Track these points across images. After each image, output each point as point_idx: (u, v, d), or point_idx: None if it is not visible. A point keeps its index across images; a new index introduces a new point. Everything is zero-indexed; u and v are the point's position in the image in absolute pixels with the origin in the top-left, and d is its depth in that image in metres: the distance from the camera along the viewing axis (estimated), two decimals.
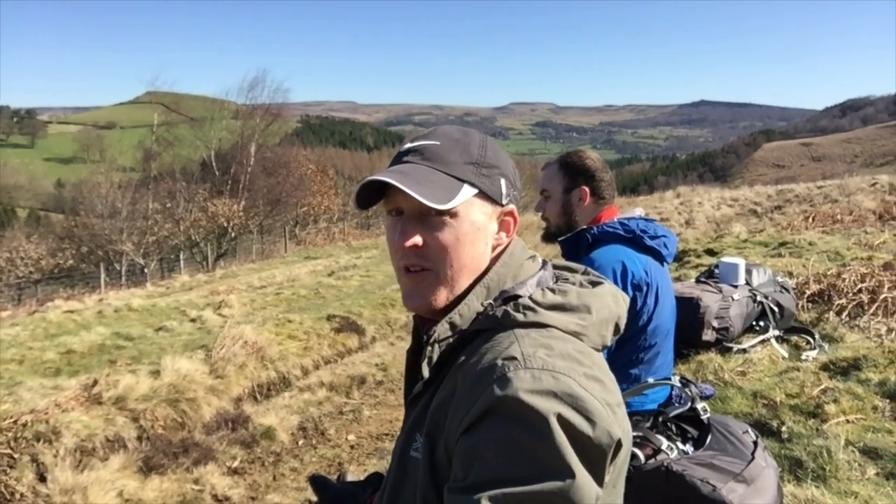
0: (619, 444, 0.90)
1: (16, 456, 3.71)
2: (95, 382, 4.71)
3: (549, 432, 0.84)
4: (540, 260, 1.16)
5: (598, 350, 1.07)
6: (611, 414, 0.90)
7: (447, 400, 0.98)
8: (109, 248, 29.46)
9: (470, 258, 1.06)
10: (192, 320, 8.75)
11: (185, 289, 16.44)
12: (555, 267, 1.18)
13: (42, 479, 3.60)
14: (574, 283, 1.10)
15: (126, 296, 14.56)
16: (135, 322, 9.12)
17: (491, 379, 0.90)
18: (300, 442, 4.55)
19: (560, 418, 0.85)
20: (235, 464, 4.06)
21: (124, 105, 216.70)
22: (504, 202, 1.10)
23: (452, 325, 1.03)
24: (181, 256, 30.78)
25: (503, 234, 1.11)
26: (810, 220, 11.06)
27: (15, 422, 3.96)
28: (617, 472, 0.94)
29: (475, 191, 1.05)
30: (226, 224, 32.29)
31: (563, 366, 0.91)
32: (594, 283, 1.12)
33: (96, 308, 11.11)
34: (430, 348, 1.04)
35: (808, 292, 4.98)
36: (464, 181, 1.05)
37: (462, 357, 1.01)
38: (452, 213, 1.03)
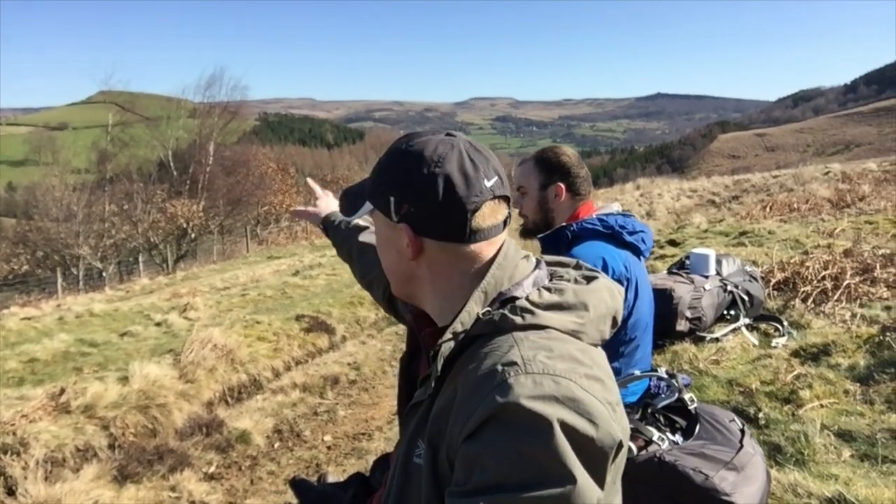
0: (619, 444, 0.90)
1: None
2: (62, 391, 4.59)
3: (552, 438, 0.83)
4: (533, 259, 1.14)
5: (596, 345, 1.08)
6: (612, 414, 0.90)
7: (448, 406, 0.97)
8: (66, 252, 28.81)
9: (388, 262, 1.17)
10: (158, 324, 8.59)
11: (145, 292, 16.14)
12: (548, 263, 1.17)
13: (11, 492, 3.50)
14: (570, 280, 1.09)
15: (86, 301, 14.21)
16: (98, 327, 8.92)
17: (492, 385, 0.89)
18: (276, 445, 4.50)
19: (562, 423, 0.84)
20: (212, 469, 3.99)
21: (77, 105, 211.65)
22: (394, 219, 1.07)
23: (454, 334, 1.02)
24: (140, 259, 30.22)
25: (409, 251, 1.08)
26: (768, 209, 11.30)
27: None
28: (616, 470, 0.93)
29: (371, 207, 1.15)
30: (185, 225, 31.82)
31: (564, 368, 0.90)
32: (589, 279, 1.11)
33: (56, 314, 10.84)
34: (437, 363, 1.03)
35: (774, 280, 5.10)
36: (366, 197, 1.16)
37: (462, 362, 1.01)
38: (374, 221, 1.18)
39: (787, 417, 2.87)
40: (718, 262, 4.28)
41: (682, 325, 3.85)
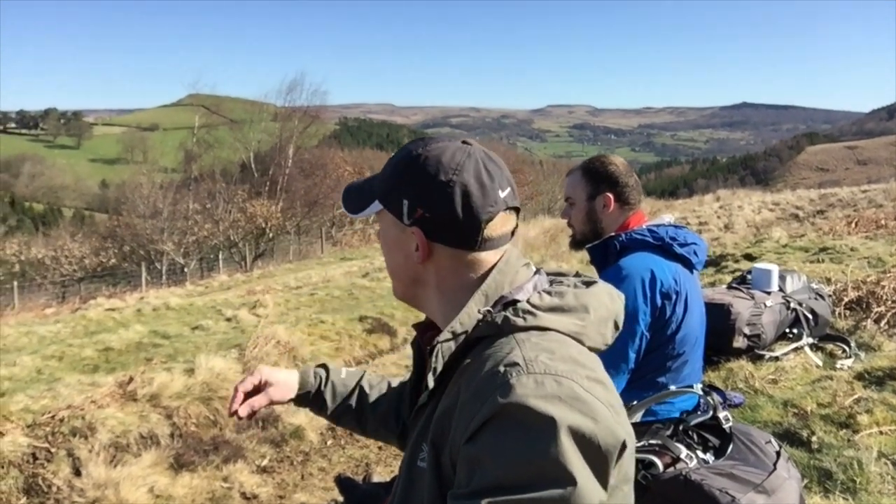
0: (623, 446, 0.90)
1: (53, 450, 3.81)
2: (131, 380, 4.81)
3: (554, 438, 0.83)
4: (533, 266, 1.15)
5: (600, 350, 1.08)
6: (615, 415, 0.90)
7: (451, 408, 0.98)
8: (151, 247, 30.11)
9: (395, 264, 1.16)
10: (228, 319, 8.88)
11: (223, 288, 16.70)
12: (549, 273, 1.17)
13: (77, 473, 3.69)
14: (569, 285, 1.10)
15: (165, 294, 14.84)
16: (172, 321, 9.29)
17: (494, 386, 0.89)
18: (329, 442, 4.58)
19: (565, 423, 0.84)
20: (264, 462, 4.10)
21: (167, 107, 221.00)
22: (406, 222, 1.08)
23: (454, 333, 1.03)
24: (220, 256, 31.29)
25: (419, 254, 1.09)
26: (853, 224, 10.81)
27: (53, 417, 4.07)
28: (622, 474, 0.93)
29: (380, 207, 1.14)
30: (264, 225, 32.74)
31: (566, 369, 0.90)
32: (588, 284, 1.12)
33: (136, 306, 11.34)
34: (433, 359, 1.05)
35: (846, 299, 4.86)
36: (375, 196, 1.15)
37: (464, 365, 1.02)
38: (378, 221, 1.17)
39: (842, 442, 2.74)
40: (782, 279, 4.12)
41: (739, 342, 3.72)
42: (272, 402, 1.46)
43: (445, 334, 1.04)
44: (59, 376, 5.49)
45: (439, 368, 1.04)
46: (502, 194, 1.07)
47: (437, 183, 1.05)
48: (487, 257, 1.09)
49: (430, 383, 1.06)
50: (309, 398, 1.52)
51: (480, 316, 1.03)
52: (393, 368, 6.37)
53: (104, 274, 29.52)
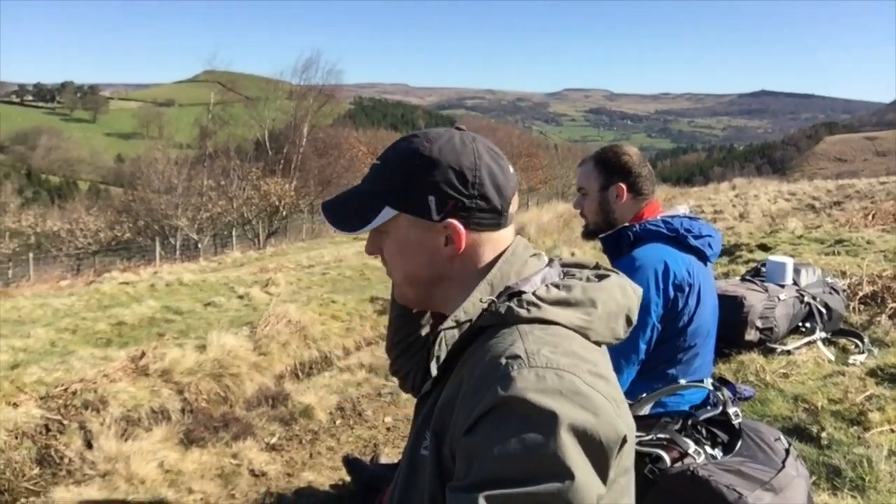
0: (624, 440, 0.90)
1: (65, 423, 3.85)
2: (143, 354, 4.84)
3: (553, 432, 0.83)
4: (546, 258, 1.15)
5: (610, 344, 1.08)
6: (616, 409, 0.90)
7: (453, 397, 0.98)
8: (165, 222, 30.31)
9: (416, 267, 1.13)
10: (240, 297, 8.92)
11: (236, 265, 16.79)
12: (565, 265, 1.17)
13: (89, 445, 3.73)
14: (580, 279, 1.09)
15: (179, 270, 14.92)
16: (185, 296, 9.34)
17: (495, 377, 0.89)
18: (337, 422, 4.61)
19: (565, 417, 0.84)
20: (273, 440, 4.13)
21: (183, 83, 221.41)
22: (436, 218, 1.07)
23: (457, 321, 1.04)
24: (234, 233, 31.47)
25: (452, 247, 1.08)
26: (870, 217, 10.71)
27: (65, 389, 4.11)
28: (621, 466, 0.93)
29: (395, 212, 1.09)
30: (277, 203, 32.85)
31: (568, 363, 0.90)
32: (601, 277, 1.11)
33: (149, 281, 11.41)
34: (436, 346, 1.04)
35: (861, 293, 4.82)
36: (385, 203, 1.10)
37: (467, 354, 1.02)
38: (384, 230, 1.12)
39: (852, 440, 2.72)
40: (797, 272, 4.09)
41: (751, 335, 3.70)
42: None
43: (449, 322, 1.05)
44: (72, 349, 5.54)
45: (442, 356, 1.05)
46: (511, 170, 1.12)
47: (465, 170, 1.06)
48: (505, 234, 1.12)
49: (434, 371, 1.06)
50: None
51: (484, 305, 1.03)
52: None
53: (118, 248, 29.79)
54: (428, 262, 1.11)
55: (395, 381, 5.79)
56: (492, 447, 0.85)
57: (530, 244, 1.15)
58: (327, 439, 4.38)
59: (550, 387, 0.86)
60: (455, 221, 1.06)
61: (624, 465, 0.94)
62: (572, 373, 0.89)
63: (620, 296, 1.09)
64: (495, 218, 1.08)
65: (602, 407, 0.87)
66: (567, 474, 0.82)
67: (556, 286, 1.04)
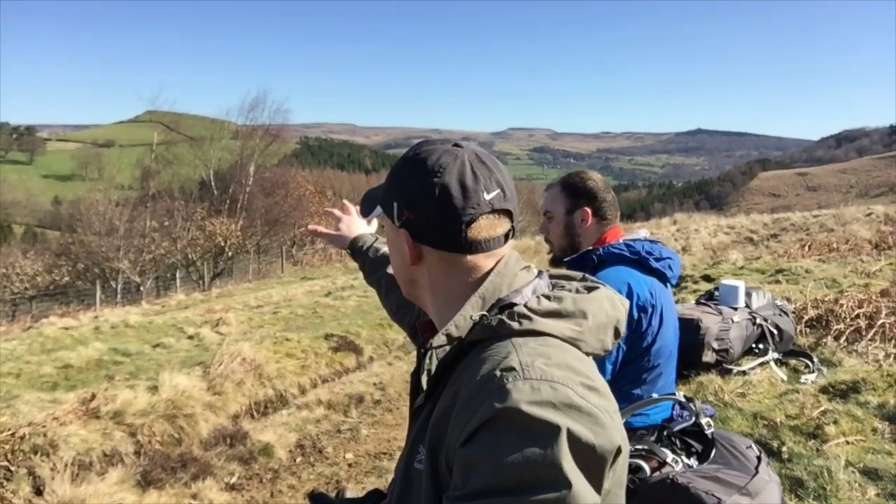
0: (618, 451, 0.91)
1: (13, 468, 3.70)
2: (93, 397, 4.70)
3: (549, 443, 0.84)
4: (535, 270, 1.15)
5: (599, 355, 1.08)
6: (610, 420, 0.91)
7: (448, 411, 0.97)
8: (106, 265, 29.48)
9: (395, 265, 1.20)
10: (190, 337, 8.73)
11: (180, 307, 16.39)
12: (553, 276, 1.17)
13: (38, 492, 3.59)
14: (570, 290, 1.10)
15: (122, 313, 14.49)
16: (132, 338, 9.09)
17: (490, 390, 0.90)
18: (298, 459, 4.54)
19: (560, 428, 0.85)
20: (233, 479, 4.04)
21: (124, 123, 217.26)
22: (396, 223, 1.11)
23: (449, 336, 1.03)
24: (177, 275, 30.76)
25: (409, 256, 1.11)
26: (807, 248, 11.13)
27: (12, 434, 3.95)
28: (616, 478, 0.94)
29: (381, 210, 1.19)
30: (223, 243, 32.34)
31: (562, 375, 0.91)
32: (590, 289, 1.11)
33: (93, 324, 11.07)
34: (427, 360, 1.05)
35: (806, 317, 5.02)
36: (378, 201, 1.22)
37: (461, 367, 1.02)
38: (383, 224, 1.21)
39: (811, 452, 2.81)
40: (748, 295, 4.23)
41: (708, 357, 3.80)
42: (337, 236, 1.97)
43: (440, 337, 1.04)
44: (16, 394, 5.32)
45: (433, 370, 1.04)
46: (487, 196, 1.06)
47: (419, 185, 1.06)
48: (478, 260, 1.08)
49: (425, 385, 1.06)
50: (362, 250, 1.89)
51: (476, 319, 1.03)
52: (361, 386, 6.33)
53: (56, 292, 28.77)
54: (401, 264, 1.15)
55: (354, 417, 5.74)
56: (490, 457, 0.86)
57: (521, 257, 1.16)
58: (288, 477, 4.30)
59: (545, 398, 0.87)
60: (406, 232, 1.09)
61: (619, 477, 0.95)
62: (566, 385, 0.90)
63: (609, 307, 1.10)
64: (445, 240, 1.07)
65: (596, 418, 0.88)
66: (565, 483, 0.83)
67: (548, 297, 1.05)
